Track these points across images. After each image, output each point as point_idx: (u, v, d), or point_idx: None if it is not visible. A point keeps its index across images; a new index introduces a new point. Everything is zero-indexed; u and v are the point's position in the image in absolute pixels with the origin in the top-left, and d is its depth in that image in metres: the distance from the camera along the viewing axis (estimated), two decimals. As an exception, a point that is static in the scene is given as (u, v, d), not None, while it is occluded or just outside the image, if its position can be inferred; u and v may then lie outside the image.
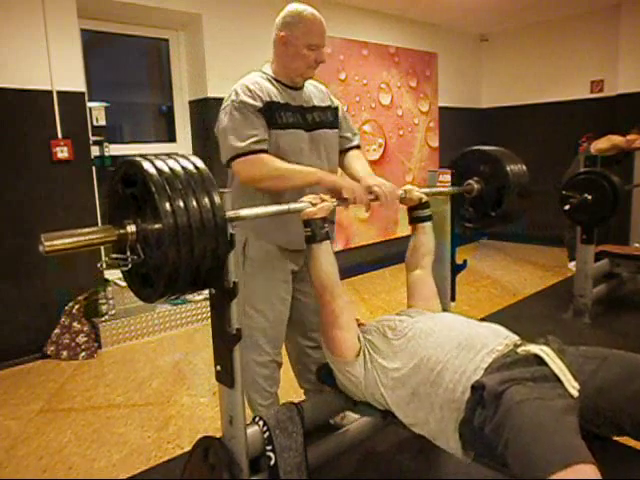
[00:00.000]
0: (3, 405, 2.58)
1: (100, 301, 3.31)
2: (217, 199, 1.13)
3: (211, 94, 3.75)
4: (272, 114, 1.73)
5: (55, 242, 1.05)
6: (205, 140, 3.84)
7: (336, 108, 1.97)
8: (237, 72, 4.02)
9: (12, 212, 3.05)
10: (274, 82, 1.81)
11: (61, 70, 3.14)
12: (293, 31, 1.75)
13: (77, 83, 3.24)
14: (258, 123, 1.70)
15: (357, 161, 1.96)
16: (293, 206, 1.46)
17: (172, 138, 3.99)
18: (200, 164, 1.18)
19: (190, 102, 3.98)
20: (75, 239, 1.08)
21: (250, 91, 1.74)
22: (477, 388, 1.23)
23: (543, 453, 1.01)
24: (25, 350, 3.13)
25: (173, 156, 1.18)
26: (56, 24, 3.11)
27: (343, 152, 1.98)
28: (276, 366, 1.97)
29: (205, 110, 3.81)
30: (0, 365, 3.02)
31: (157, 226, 1.07)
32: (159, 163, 1.12)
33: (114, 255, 1.16)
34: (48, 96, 3.11)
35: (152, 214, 1.09)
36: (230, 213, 1.23)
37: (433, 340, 1.40)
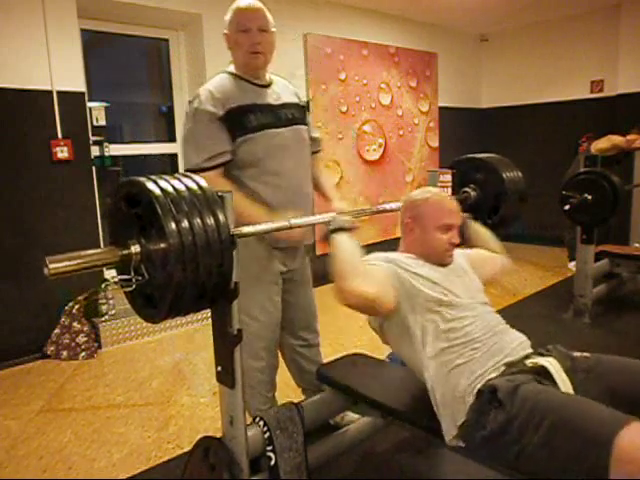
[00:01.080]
0: (3, 405, 2.58)
1: (100, 301, 3.31)
2: (222, 218, 1.13)
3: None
4: (240, 119, 1.73)
5: (59, 265, 1.06)
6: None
7: (304, 106, 1.98)
8: (237, 72, 3.94)
9: (12, 212, 3.06)
10: (239, 81, 1.82)
11: (61, 70, 3.14)
12: (230, 26, 1.80)
13: (77, 83, 3.24)
14: (217, 134, 1.70)
15: (326, 179, 2.05)
16: (294, 221, 1.46)
17: (172, 138, 3.99)
18: (203, 183, 1.17)
19: (190, 102, 3.98)
20: (79, 261, 1.09)
21: (213, 97, 1.74)
22: (485, 391, 1.25)
23: (598, 421, 1.08)
24: (25, 350, 3.13)
25: (176, 176, 1.17)
26: (56, 24, 3.11)
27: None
28: (273, 370, 1.97)
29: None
30: (0, 365, 3.02)
31: (162, 246, 1.07)
32: (163, 183, 1.11)
33: (118, 277, 1.16)
34: (48, 96, 3.11)
35: (157, 234, 1.08)
36: (235, 230, 1.22)
37: (473, 333, 1.42)
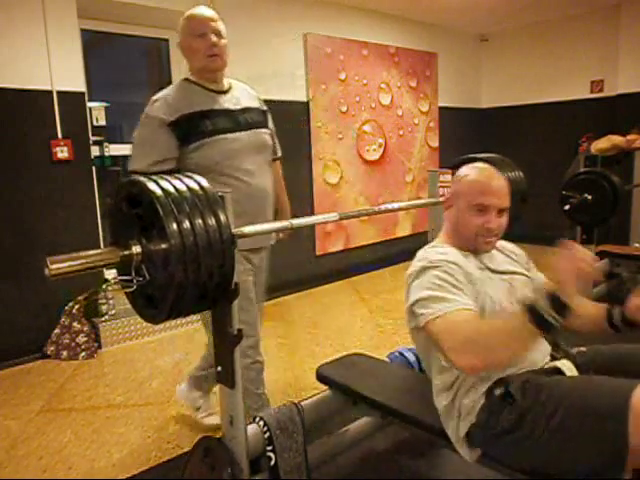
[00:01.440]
0: (3, 405, 2.58)
1: (100, 301, 3.31)
2: (223, 218, 1.13)
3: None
4: (195, 123, 1.76)
5: (60, 265, 1.06)
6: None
7: (265, 111, 2.03)
8: (237, 72, 4.05)
9: (12, 212, 3.06)
10: (196, 87, 1.86)
11: (61, 70, 3.14)
12: (184, 33, 1.84)
13: (77, 83, 3.23)
14: (164, 140, 1.74)
15: (281, 189, 2.12)
16: (295, 222, 1.45)
17: (172, 138, 3.99)
18: (205, 183, 1.17)
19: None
20: (80, 262, 1.09)
21: (165, 104, 1.78)
22: (495, 389, 1.25)
23: (609, 391, 1.10)
24: (25, 350, 3.13)
25: (177, 176, 1.17)
26: (56, 24, 3.11)
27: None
28: (260, 367, 2.00)
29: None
30: (0, 365, 3.02)
31: (164, 246, 1.07)
32: (164, 183, 1.11)
33: (118, 277, 1.16)
34: (48, 96, 3.11)
35: (158, 234, 1.08)
36: (236, 231, 1.22)
37: None
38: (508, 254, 1.57)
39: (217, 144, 1.78)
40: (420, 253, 1.46)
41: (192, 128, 1.75)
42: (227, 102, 1.87)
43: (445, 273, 1.30)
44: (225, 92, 1.90)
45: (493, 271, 1.43)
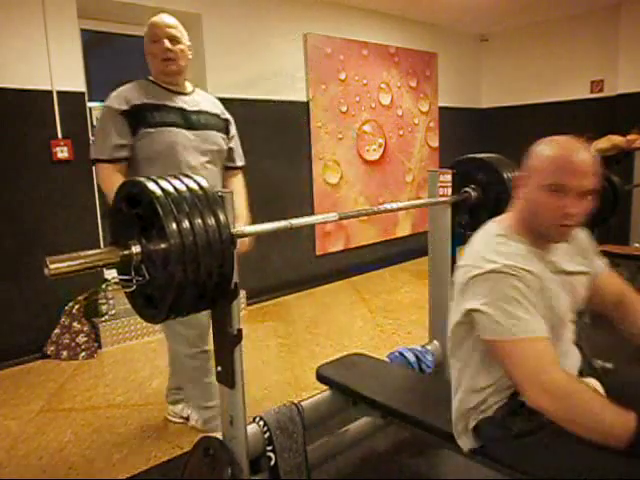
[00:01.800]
0: (3, 405, 2.58)
1: (100, 301, 3.31)
2: (222, 217, 1.13)
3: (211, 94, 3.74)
4: (143, 114, 1.85)
5: (60, 265, 1.06)
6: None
7: (227, 120, 2.12)
8: (237, 72, 4.04)
9: (12, 212, 3.06)
10: (154, 85, 1.95)
11: (61, 70, 3.14)
12: (145, 39, 1.94)
13: (77, 83, 3.23)
14: (118, 129, 1.83)
15: (241, 200, 2.11)
16: (295, 222, 1.45)
17: (172, 138, 4.00)
18: (204, 183, 1.17)
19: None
20: (80, 261, 1.09)
21: (120, 95, 1.88)
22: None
23: None
24: (25, 350, 3.13)
25: (177, 176, 1.18)
26: (56, 24, 3.11)
27: (227, 168, 2.15)
28: (206, 357, 2.03)
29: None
30: (0, 365, 3.02)
31: (163, 246, 1.07)
32: (164, 183, 1.11)
33: (118, 277, 1.16)
34: (48, 96, 3.11)
35: (158, 234, 1.08)
36: (235, 230, 1.22)
37: None
38: (572, 242, 1.33)
39: (160, 135, 1.85)
40: (481, 245, 1.25)
41: (140, 118, 1.84)
42: (183, 102, 1.95)
43: (521, 284, 1.13)
44: (185, 94, 1.99)
45: (558, 271, 1.25)
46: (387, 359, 2.08)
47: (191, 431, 2.23)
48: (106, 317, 3.31)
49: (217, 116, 2.06)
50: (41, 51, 3.07)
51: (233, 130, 2.15)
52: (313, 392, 1.84)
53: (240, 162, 2.21)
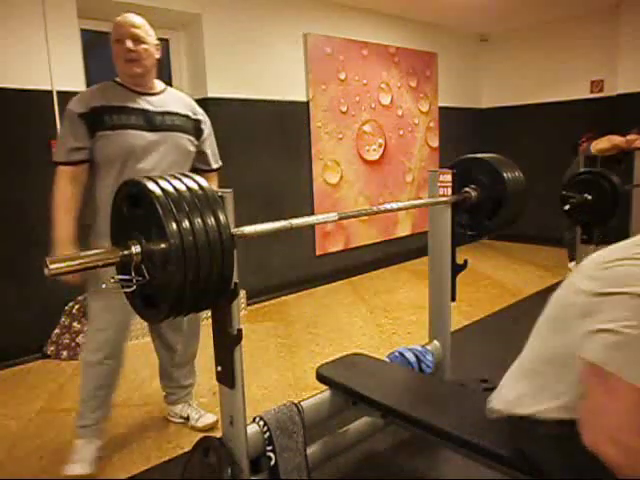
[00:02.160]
0: (3, 405, 2.57)
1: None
2: (222, 218, 1.13)
3: (211, 94, 3.75)
4: (101, 117, 1.81)
5: (59, 265, 1.06)
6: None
7: (198, 120, 2.04)
8: (237, 72, 4.04)
9: (12, 212, 3.05)
10: (118, 86, 1.91)
11: (61, 70, 3.14)
12: (111, 38, 1.88)
13: (77, 83, 3.23)
14: (76, 131, 1.81)
15: None
16: (295, 222, 1.45)
17: (172, 138, 4.00)
18: (204, 183, 1.17)
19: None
20: (79, 261, 1.10)
21: (80, 98, 1.85)
22: None
23: None
24: (25, 350, 3.13)
25: (177, 176, 1.18)
26: (56, 24, 3.11)
27: (201, 171, 2.06)
28: (114, 364, 1.99)
29: (205, 110, 3.79)
30: (0, 365, 3.02)
31: (163, 246, 1.07)
32: (164, 183, 1.12)
33: (118, 277, 1.16)
34: (48, 96, 3.11)
35: (158, 234, 1.08)
36: (235, 231, 1.22)
37: None
38: None
39: (118, 138, 1.82)
40: (625, 259, 1.13)
41: (98, 121, 1.81)
42: (148, 103, 1.91)
43: None
44: (152, 94, 1.94)
45: None
46: (387, 359, 2.08)
47: (191, 431, 2.23)
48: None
49: (187, 117, 1.99)
50: (41, 51, 3.06)
51: (207, 131, 2.08)
52: (313, 392, 1.84)
53: (215, 164, 2.15)
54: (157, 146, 1.88)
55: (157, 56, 1.96)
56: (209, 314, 1.35)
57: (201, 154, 2.08)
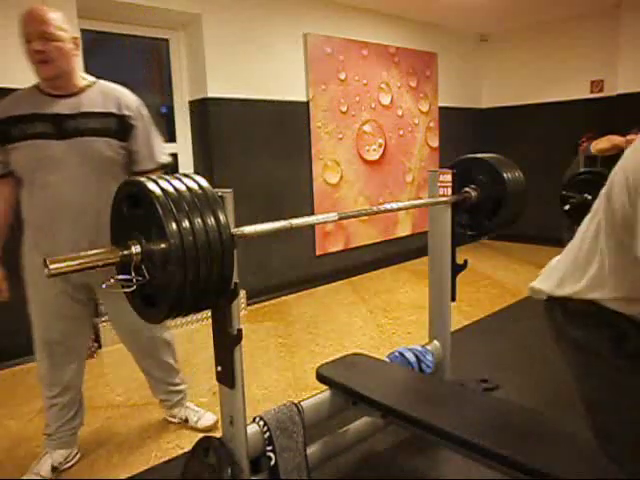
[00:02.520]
0: (3, 405, 2.58)
1: (100, 301, 3.30)
2: (222, 218, 1.13)
3: (211, 94, 3.75)
4: (8, 128, 1.69)
5: (59, 265, 1.07)
6: (205, 140, 3.84)
7: (124, 116, 1.79)
8: (237, 72, 4.04)
9: (12, 212, 3.05)
10: (33, 91, 1.77)
11: (61, 70, 3.14)
12: (20, 36, 1.72)
13: (77, 83, 3.23)
14: None
15: None
16: (295, 222, 1.44)
17: (172, 138, 3.99)
18: (204, 183, 1.17)
19: (190, 102, 3.98)
20: (79, 261, 1.10)
21: None
22: None
23: None
24: (25, 350, 3.12)
25: (177, 176, 1.18)
26: (56, 24, 3.10)
27: (135, 174, 1.83)
28: (67, 400, 1.95)
29: (205, 110, 3.81)
30: (0, 365, 3.02)
31: (163, 246, 1.07)
32: (163, 183, 1.12)
33: (118, 276, 1.16)
34: (48, 96, 3.10)
35: (158, 234, 1.08)
36: (235, 231, 1.22)
37: None
38: None
39: (25, 150, 1.69)
40: None
41: (6, 132, 1.69)
42: (63, 106, 1.71)
43: None
44: (69, 96, 1.74)
45: None
46: (387, 359, 2.08)
47: (191, 431, 2.23)
48: (106, 317, 3.31)
49: (109, 115, 1.75)
50: (41, 51, 3.06)
51: (139, 128, 1.82)
52: (313, 392, 1.84)
53: (151, 164, 1.86)
54: (68, 155, 1.70)
55: (76, 52, 1.75)
56: (209, 314, 1.35)
57: (133, 154, 1.83)
